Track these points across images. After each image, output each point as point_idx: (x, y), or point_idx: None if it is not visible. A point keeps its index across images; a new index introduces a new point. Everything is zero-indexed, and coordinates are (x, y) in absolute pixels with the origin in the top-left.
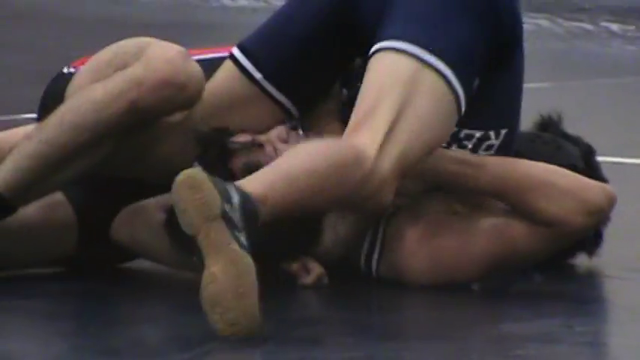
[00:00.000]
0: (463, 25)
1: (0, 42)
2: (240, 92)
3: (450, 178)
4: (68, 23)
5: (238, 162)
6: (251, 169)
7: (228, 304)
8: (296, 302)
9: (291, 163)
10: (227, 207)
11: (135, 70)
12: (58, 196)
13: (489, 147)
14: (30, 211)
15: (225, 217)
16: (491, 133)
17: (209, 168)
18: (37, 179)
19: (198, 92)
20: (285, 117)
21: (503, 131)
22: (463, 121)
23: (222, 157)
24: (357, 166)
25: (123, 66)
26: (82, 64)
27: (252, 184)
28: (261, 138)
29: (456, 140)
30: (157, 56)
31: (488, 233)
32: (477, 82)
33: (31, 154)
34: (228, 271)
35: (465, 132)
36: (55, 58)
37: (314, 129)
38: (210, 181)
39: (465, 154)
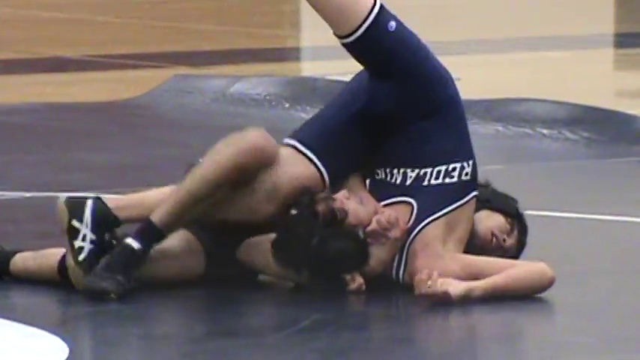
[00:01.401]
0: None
1: None
2: (297, 163)
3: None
4: None
5: (321, 206)
6: (331, 211)
7: None
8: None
9: None
10: None
11: (226, 145)
12: (190, 235)
13: (467, 174)
14: (172, 243)
15: None
16: (465, 164)
17: (300, 211)
18: (178, 217)
19: (274, 154)
20: (320, 183)
21: (471, 161)
22: (444, 158)
23: (311, 204)
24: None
25: (233, 144)
26: None
27: None
28: (335, 195)
29: (447, 174)
30: (251, 135)
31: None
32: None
33: (176, 199)
34: None
35: (450, 166)
36: None
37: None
38: None
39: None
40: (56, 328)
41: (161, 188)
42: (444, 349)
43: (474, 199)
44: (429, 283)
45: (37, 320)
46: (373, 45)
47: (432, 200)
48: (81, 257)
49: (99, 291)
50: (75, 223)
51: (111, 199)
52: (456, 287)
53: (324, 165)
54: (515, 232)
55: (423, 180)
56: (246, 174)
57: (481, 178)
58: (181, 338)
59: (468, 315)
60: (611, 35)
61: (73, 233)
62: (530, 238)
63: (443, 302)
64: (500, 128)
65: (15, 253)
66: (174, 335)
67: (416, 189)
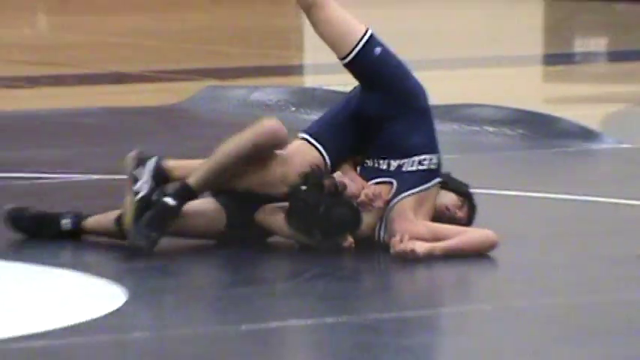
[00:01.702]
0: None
1: None
2: (307, 151)
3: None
4: None
5: (326, 181)
6: (334, 184)
7: None
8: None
9: None
10: None
11: (248, 130)
12: (214, 200)
13: (434, 164)
14: (200, 203)
15: None
16: (433, 156)
17: (310, 186)
18: (208, 181)
19: (285, 140)
20: (324, 167)
21: (437, 154)
22: (418, 152)
23: (319, 179)
24: None
25: (252, 128)
26: None
27: None
28: (337, 174)
29: (419, 163)
30: (267, 122)
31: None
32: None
33: (207, 168)
34: None
35: (422, 157)
36: None
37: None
38: None
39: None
40: (116, 279)
41: (200, 160)
42: (413, 294)
43: (438, 184)
44: (402, 244)
45: (101, 272)
46: (363, 66)
47: (408, 181)
48: (137, 198)
49: (136, 247)
50: (136, 172)
51: (168, 162)
52: (421, 246)
53: (327, 153)
54: (465, 208)
55: (402, 167)
56: (261, 151)
57: (443, 166)
58: (211, 287)
59: (431, 269)
60: (540, 55)
61: (134, 179)
62: (480, 211)
63: (412, 258)
64: (455, 127)
65: (87, 217)
66: (206, 285)
67: (396, 173)
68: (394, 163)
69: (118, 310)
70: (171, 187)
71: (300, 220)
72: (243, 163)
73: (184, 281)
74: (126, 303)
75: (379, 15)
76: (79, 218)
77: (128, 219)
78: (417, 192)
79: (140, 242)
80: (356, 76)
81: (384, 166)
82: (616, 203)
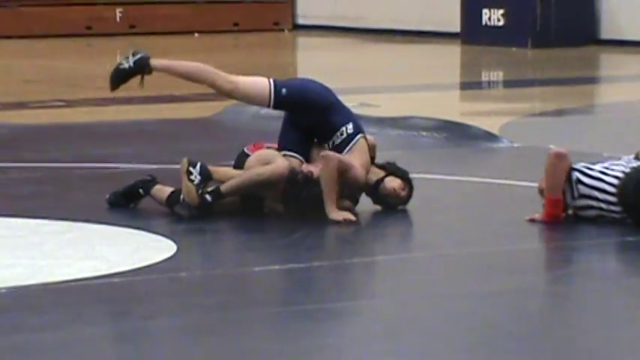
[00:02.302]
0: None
1: None
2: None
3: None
4: None
5: (299, 175)
6: (304, 176)
7: None
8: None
9: None
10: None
11: (269, 167)
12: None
13: (350, 129)
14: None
15: None
16: (346, 126)
17: (293, 182)
18: (232, 192)
19: (285, 174)
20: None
21: (350, 124)
22: (337, 128)
23: (296, 177)
24: None
25: (266, 162)
26: (254, 147)
27: None
28: (304, 166)
29: (341, 134)
30: (278, 164)
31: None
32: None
33: (236, 183)
34: None
35: (341, 129)
36: None
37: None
38: None
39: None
40: (168, 235)
41: (232, 170)
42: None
43: (362, 138)
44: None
45: (159, 231)
46: (282, 105)
47: (341, 147)
48: (195, 184)
49: (185, 216)
50: (190, 168)
51: (211, 167)
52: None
53: (300, 154)
54: (407, 189)
55: (335, 141)
56: (272, 182)
57: (392, 159)
58: (234, 242)
59: (377, 226)
60: (458, 83)
61: (189, 174)
62: (416, 189)
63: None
64: (400, 132)
65: (157, 183)
66: (230, 241)
67: (334, 146)
68: (330, 142)
69: (170, 257)
70: (210, 189)
71: (292, 201)
72: (260, 185)
73: (216, 238)
74: (176, 252)
75: (345, 56)
76: (148, 187)
77: (193, 197)
78: (348, 151)
79: (185, 213)
80: (283, 110)
81: (328, 146)
82: (509, 184)
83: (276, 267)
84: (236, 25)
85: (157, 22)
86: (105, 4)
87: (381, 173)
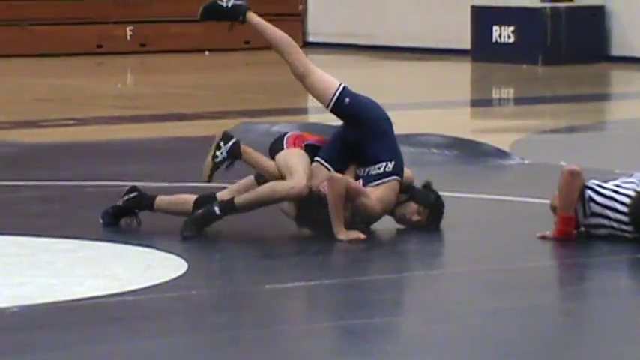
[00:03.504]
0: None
1: None
2: (319, 171)
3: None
4: None
5: (314, 194)
6: (318, 194)
7: None
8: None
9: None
10: None
11: (286, 186)
12: None
13: (389, 168)
14: None
15: None
16: (389, 163)
17: (310, 200)
18: (246, 208)
19: (304, 192)
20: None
21: (392, 162)
22: (379, 161)
23: (313, 194)
24: None
25: (288, 173)
26: (294, 141)
27: None
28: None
29: (379, 168)
30: (295, 184)
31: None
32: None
33: (251, 197)
34: None
35: (381, 164)
36: None
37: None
38: None
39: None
40: (179, 253)
41: (262, 157)
42: (384, 261)
43: (395, 180)
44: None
45: (169, 249)
46: (338, 111)
47: (370, 178)
48: (216, 160)
49: (184, 235)
50: (221, 144)
51: (242, 146)
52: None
53: (333, 168)
54: (426, 214)
55: (370, 171)
56: (287, 199)
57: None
58: (244, 260)
59: (396, 243)
60: (469, 100)
61: (217, 149)
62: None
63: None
64: (412, 149)
65: (156, 196)
66: (240, 258)
67: (367, 175)
68: (366, 170)
69: (181, 275)
70: (220, 202)
71: (308, 217)
72: (275, 202)
73: (227, 255)
74: (186, 270)
75: (355, 73)
76: (150, 202)
77: (206, 173)
78: (375, 185)
79: (186, 233)
80: (337, 116)
81: (362, 172)
82: (520, 201)
83: (288, 285)
84: (247, 43)
85: (168, 41)
86: (115, 22)
87: (402, 197)
